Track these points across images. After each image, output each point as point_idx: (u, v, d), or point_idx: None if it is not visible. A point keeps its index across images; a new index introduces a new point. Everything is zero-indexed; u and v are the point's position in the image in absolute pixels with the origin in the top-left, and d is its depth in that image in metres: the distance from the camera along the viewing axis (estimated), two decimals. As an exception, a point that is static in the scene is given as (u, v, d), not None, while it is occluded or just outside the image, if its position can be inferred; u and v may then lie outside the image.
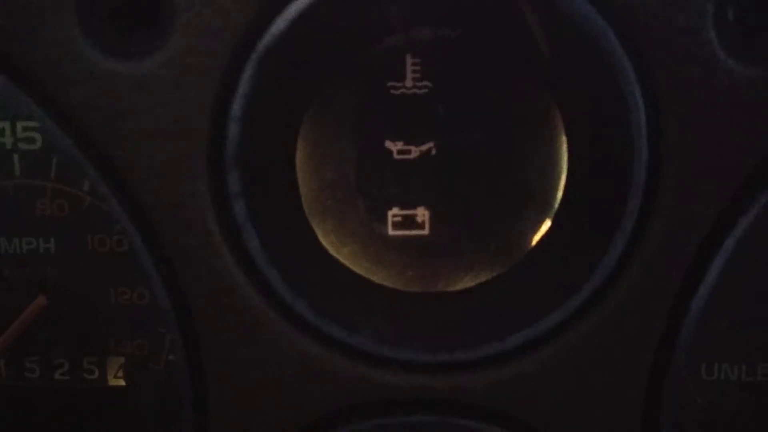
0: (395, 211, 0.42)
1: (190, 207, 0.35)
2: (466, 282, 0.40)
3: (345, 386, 0.34)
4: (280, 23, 0.32)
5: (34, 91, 0.39)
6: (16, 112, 0.46)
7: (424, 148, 0.41)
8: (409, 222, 0.42)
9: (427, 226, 0.42)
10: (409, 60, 0.41)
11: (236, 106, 0.32)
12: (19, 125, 0.46)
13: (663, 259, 0.32)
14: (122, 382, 0.51)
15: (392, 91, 0.41)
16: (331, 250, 0.40)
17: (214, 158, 0.34)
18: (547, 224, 0.40)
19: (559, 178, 0.40)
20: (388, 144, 0.41)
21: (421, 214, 0.42)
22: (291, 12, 0.32)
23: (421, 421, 0.34)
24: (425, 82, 0.41)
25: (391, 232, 0.42)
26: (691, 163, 0.32)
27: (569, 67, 0.37)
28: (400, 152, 0.41)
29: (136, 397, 0.51)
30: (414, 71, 0.41)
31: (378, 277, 0.41)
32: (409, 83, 0.41)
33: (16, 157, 0.47)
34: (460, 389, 0.33)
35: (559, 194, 0.40)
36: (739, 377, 0.45)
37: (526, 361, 0.32)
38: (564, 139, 0.40)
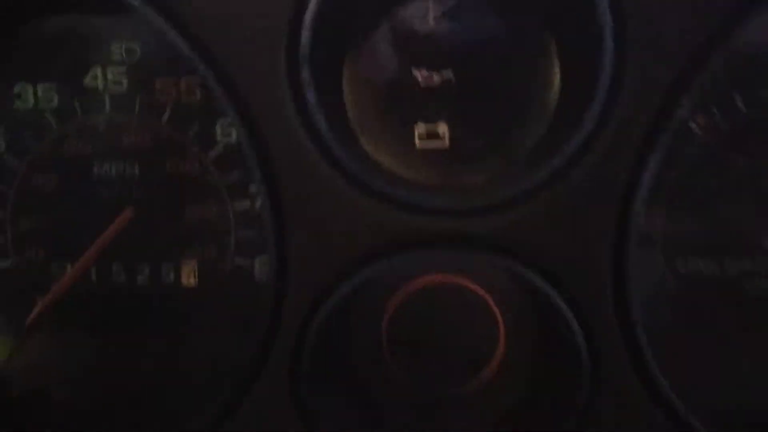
0: (421, 127, 0.53)
1: (271, 95, 0.44)
2: (480, 178, 0.50)
3: (389, 228, 0.44)
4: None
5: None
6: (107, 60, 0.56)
7: (444, 75, 0.52)
8: (432, 135, 0.53)
9: (447, 138, 0.52)
10: (431, 4, 0.51)
11: (307, 17, 0.42)
12: (109, 70, 0.56)
13: (628, 124, 0.42)
14: (194, 283, 0.61)
15: (418, 30, 0.51)
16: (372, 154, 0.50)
17: (290, 56, 0.43)
18: (543, 130, 0.50)
19: (553, 93, 0.50)
20: (415, 72, 0.52)
21: (442, 128, 0.53)
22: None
23: (449, 253, 0.45)
24: (444, 21, 0.51)
25: (418, 144, 0.52)
26: (650, 34, 0.41)
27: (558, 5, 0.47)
28: (424, 78, 0.52)
29: (207, 295, 0.61)
30: (435, 14, 0.51)
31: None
32: (431, 23, 0.51)
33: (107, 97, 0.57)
34: (481, 229, 0.44)
35: (553, 107, 0.50)
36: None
37: (526, 207, 0.43)
38: (557, 62, 0.50)
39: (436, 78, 0.50)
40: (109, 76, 0.56)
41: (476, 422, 0.56)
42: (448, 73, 0.50)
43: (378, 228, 0.44)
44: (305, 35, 0.42)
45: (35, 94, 0.56)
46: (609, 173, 0.42)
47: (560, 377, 0.49)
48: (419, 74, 0.50)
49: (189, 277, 0.59)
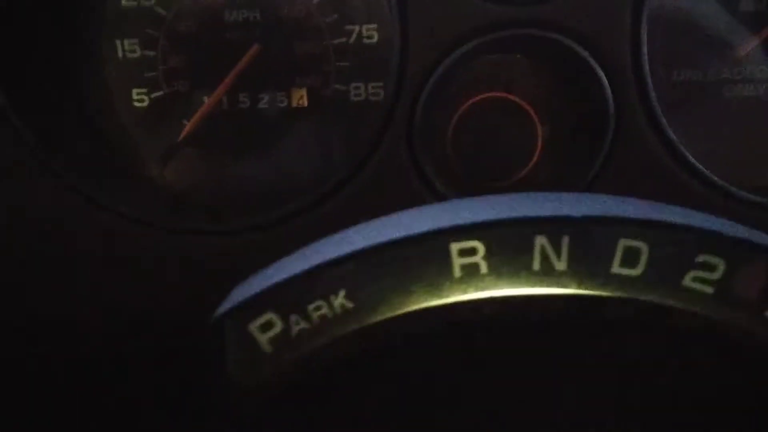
0: None
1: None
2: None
3: (472, 14, 0.61)
4: None
5: None
6: None
7: None
8: None
9: None
10: None
11: None
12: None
13: None
14: (305, 105, 0.77)
15: None
16: None
17: None
18: None
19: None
20: None
21: None
22: None
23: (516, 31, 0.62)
24: None
25: None
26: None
27: None
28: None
29: (315, 114, 0.77)
30: None
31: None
32: None
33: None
34: (536, 14, 0.61)
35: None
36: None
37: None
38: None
39: None
40: None
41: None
42: None
43: (471, 15, 0.61)
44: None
45: (179, -48, 0.71)
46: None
47: (585, 141, 0.66)
48: None
49: (299, 101, 0.75)
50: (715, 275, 0.34)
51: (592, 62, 0.60)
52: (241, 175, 0.75)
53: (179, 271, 0.66)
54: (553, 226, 0.34)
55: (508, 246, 0.34)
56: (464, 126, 0.72)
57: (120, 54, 0.73)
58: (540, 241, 0.34)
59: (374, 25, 0.71)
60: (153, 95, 0.73)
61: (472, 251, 0.36)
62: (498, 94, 0.72)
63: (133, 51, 0.73)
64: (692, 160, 0.63)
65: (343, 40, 0.72)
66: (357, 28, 0.72)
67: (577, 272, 0.36)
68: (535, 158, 0.73)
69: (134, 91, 0.73)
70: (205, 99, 0.73)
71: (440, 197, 0.64)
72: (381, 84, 0.72)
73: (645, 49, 0.59)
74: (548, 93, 0.70)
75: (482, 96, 0.72)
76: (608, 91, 0.60)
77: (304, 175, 0.74)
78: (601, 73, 0.60)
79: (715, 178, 0.63)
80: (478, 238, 0.35)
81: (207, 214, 0.71)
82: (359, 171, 0.64)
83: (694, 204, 0.65)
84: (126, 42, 0.73)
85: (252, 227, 0.65)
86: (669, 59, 0.71)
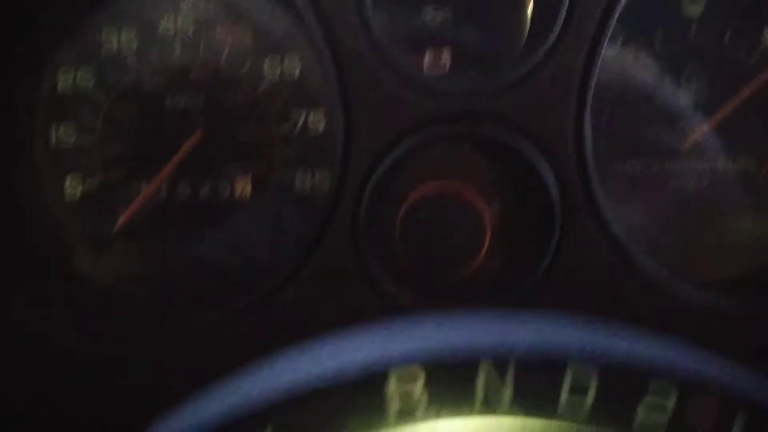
0: (428, 53, 0.67)
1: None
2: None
3: (418, 110, 0.60)
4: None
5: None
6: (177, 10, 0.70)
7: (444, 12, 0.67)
8: (437, 58, 0.68)
9: (449, 61, 0.68)
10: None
11: None
12: (179, 19, 0.70)
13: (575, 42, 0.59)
14: (248, 194, 0.74)
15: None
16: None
17: None
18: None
19: (526, 20, 0.67)
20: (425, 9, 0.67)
21: (446, 54, 0.68)
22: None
23: (459, 124, 0.61)
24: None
25: (425, 71, 0.68)
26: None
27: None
28: (431, 16, 0.67)
29: (259, 203, 0.74)
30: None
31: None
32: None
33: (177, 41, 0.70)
34: (482, 107, 0.60)
35: (526, 30, 0.67)
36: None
37: (512, 92, 0.59)
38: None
39: (440, 15, 0.67)
40: (179, 24, 0.69)
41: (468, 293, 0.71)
42: (449, 11, 0.67)
43: (417, 110, 0.60)
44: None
45: (119, 38, 0.69)
46: (568, 71, 0.59)
47: (534, 235, 0.65)
48: (428, 12, 0.67)
49: (243, 190, 0.73)
50: (666, 412, 0.32)
51: (537, 159, 0.60)
52: (178, 269, 0.71)
53: (95, 375, 0.61)
54: (499, 360, 0.32)
55: (450, 380, 0.32)
56: (412, 217, 0.70)
57: (53, 140, 0.69)
58: (483, 375, 0.32)
59: (321, 114, 0.70)
60: (87, 184, 0.70)
61: (412, 380, 0.34)
62: (446, 184, 0.71)
63: (68, 137, 0.69)
64: (637, 257, 0.62)
65: (289, 127, 0.70)
66: (303, 116, 0.71)
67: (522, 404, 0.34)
68: (484, 250, 0.71)
69: (67, 179, 0.70)
70: (144, 187, 0.71)
71: (385, 296, 0.61)
72: (328, 172, 0.71)
73: (589, 147, 0.59)
74: (496, 183, 0.70)
75: (430, 186, 0.71)
76: (554, 189, 0.60)
77: (246, 269, 0.70)
78: (547, 170, 0.60)
79: (658, 276, 0.62)
80: (418, 375, 0.32)
81: (139, 312, 0.67)
82: (301, 268, 0.62)
83: (639, 301, 0.66)
84: (61, 128, 0.69)
85: (183, 330, 0.61)
86: (616, 151, 0.72)
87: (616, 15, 0.57)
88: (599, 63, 0.59)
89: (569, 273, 0.62)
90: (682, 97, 0.72)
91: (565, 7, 0.58)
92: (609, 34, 0.58)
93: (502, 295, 0.64)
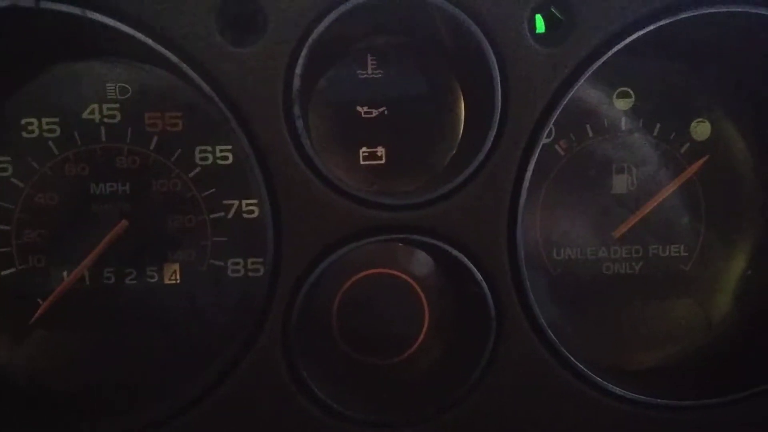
0: (364, 149, 0.68)
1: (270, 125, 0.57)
2: (410, 185, 0.67)
3: (348, 219, 0.58)
4: (315, 34, 0.56)
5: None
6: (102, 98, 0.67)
7: (378, 110, 0.67)
8: (372, 156, 0.68)
9: (384, 157, 0.68)
10: (369, 57, 0.67)
11: (298, 69, 0.55)
12: (105, 106, 0.67)
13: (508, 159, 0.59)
14: (176, 281, 0.72)
15: (360, 76, 0.67)
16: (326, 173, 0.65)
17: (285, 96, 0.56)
18: (454, 150, 0.67)
19: (459, 125, 0.67)
20: (358, 108, 0.67)
21: (380, 150, 0.68)
22: (319, 29, 0.56)
23: (390, 235, 0.59)
24: (379, 71, 0.67)
25: (361, 162, 0.68)
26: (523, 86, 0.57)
27: (462, 58, 0.64)
28: (366, 113, 0.68)
29: (188, 291, 0.71)
30: (372, 64, 0.67)
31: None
32: (369, 71, 0.67)
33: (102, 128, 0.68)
34: (412, 220, 0.59)
35: (459, 135, 0.67)
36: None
37: (444, 204, 0.58)
38: (462, 104, 0.67)
39: (375, 112, 0.67)
40: (105, 111, 0.67)
41: (406, 385, 0.71)
42: (383, 109, 0.67)
43: (347, 220, 0.58)
44: (296, 82, 0.56)
45: (40, 126, 0.66)
46: (500, 180, 0.59)
47: (471, 334, 0.65)
48: (362, 110, 0.67)
49: (171, 277, 0.70)
50: None
51: (470, 267, 0.59)
52: (101, 362, 0.68)
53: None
54: None
55: None
56: (349, 304, 0.70)
57: (-34, 228, 0.66)
58: None
59: (254, 200, 0.69)
60: (3, 273, 0.67)
61: None
62: (383, 270, 0.71)
63: (-16, 222, 0.66)
64: (573, 361, 0.63)
65: (221, 214, 0.69)
66: (236, 202, 0.69)
67: None
68: (421, 337, 0.71)
69: (-18, 266, 0.66)
70: (65, 276, 0.68)
71: (315, 399, 0.60)
72: (261, 260, 0.69)
73: (522, 254, 0.59)
74: (433, 275, 0.70)
75: (366, 273, 0.70)
76: (488, 295, 0.60)
77: (175, 363, 0.68)
78: (480, 278, 0.59)
79: (596, 378, 0.63)
80: None
81: (59, 410, 0.64)
82: (232, 370, 0.60)
83: (573, 397, 0.66)
84: (-23, 212, 0.66)
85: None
86: (550, 240, 0.73)
87: (550, 125, 0.57)
88: (531, 170, 0.59)
89: (504, 373, 0.62)
90: (615, 187, 0.73)
91: (497, 118, 0.58)
92: (541, 144, 0.58)
93: (437, 395, 0.63)
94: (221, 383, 0.60)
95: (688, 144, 0.73)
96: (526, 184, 0.58)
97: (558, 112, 0.57)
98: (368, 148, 0.67)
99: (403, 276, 0.71)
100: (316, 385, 0.60)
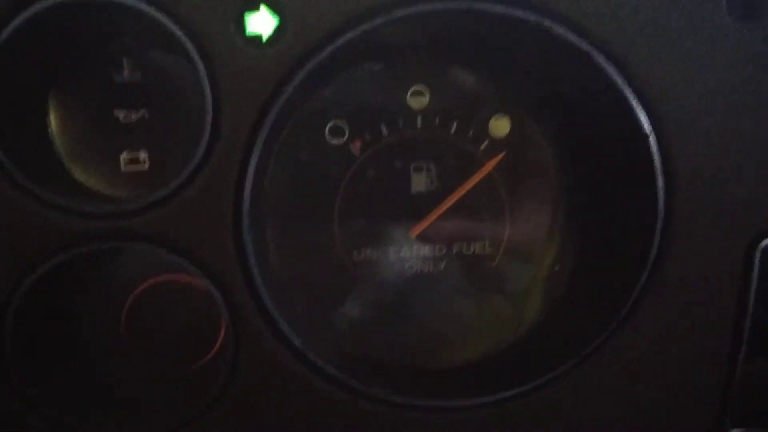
0: (125, 154, 0.66)
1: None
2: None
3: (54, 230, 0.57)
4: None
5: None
6: None
7: (138, 114, 0.65)
8: (134, 161, 0.66)
9: (146, 163, 0.66)
10: (126, 60, 0.65)
11: None
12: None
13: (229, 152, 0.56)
14: None
15: (115, 78, 0.65)
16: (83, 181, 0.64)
17: None
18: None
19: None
20: (117, 112, 0.65)
21: (143, 155, 0.66)
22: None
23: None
24: (136, 74, 0.65)
25: (123, 168, 0.66)
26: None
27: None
28: (124, 117, 0.66)
29: None
30: (128, 67, 0.65)
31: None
32: (126, 74, 0.65)
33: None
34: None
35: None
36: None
37: (160, 211, 0.58)
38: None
39: (134, 116, 0.65)
40: None
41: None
42: (144, 112, 0.65)
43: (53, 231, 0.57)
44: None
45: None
46: (220, 184, 0.57)
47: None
48: (120, 114, 0.65)
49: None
50: None
51: (197, 273, 0.58)
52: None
53: None
54: None
55: None
56: (138, 313, 0.69)
57: None
58: None
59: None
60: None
61: None
62: (171, 277, 0.70)
63: None
64: (321, 363, 0.61)
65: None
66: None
67: None
68: (218, 344, 0.70)
69: None
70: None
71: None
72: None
73: (252, 258, 0.58)
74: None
75: (153, 281, 0.69)
76: (221, 302, 0.59)
77: None
78: (209, 283, 0.58)
79: (351, 381, 0.62)
80: None
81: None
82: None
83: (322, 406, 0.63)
84: None
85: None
86: (349, 241, 0.71)
87: (268, 126, 0.55)
88: (253, 171, 0.57)
89: (247, 382, 0.61)
90: (414, 186, 0.71)
91: (209, 122, 0.56)
92: (260, 145, 0.56)
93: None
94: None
95: (486, 141, 0.70)
96: (248, 185, 0.56)
97: (277, 113, 0.55)
98: (129, 152, 0.65)
99: (192, 282, 0.70)
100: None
